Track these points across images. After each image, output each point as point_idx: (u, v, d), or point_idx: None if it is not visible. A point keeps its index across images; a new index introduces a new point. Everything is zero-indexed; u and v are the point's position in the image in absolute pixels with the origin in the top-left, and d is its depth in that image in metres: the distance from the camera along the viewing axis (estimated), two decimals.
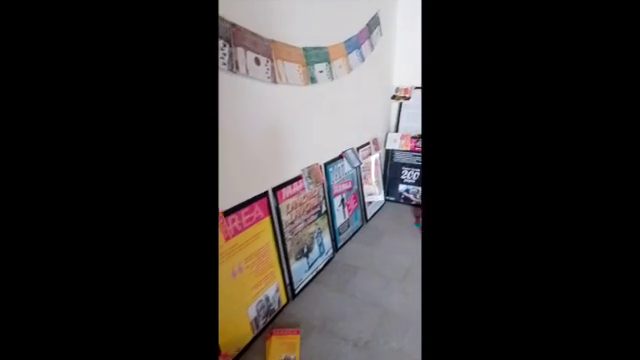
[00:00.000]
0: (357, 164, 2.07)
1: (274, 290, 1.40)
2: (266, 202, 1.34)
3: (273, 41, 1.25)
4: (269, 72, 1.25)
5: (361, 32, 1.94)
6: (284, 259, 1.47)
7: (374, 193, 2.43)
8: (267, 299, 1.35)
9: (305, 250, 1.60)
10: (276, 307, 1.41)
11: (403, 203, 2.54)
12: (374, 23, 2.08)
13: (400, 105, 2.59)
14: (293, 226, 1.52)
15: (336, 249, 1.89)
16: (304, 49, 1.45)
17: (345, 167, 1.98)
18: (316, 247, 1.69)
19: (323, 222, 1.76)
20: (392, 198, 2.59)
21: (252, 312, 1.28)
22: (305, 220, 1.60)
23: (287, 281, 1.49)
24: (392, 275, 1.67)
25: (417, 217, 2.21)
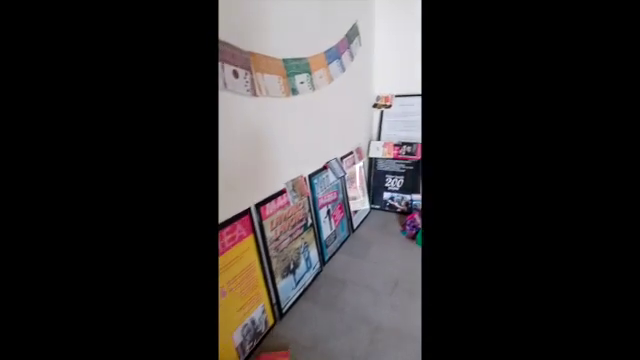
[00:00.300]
0: (342, 174, 2.05)
1: (260, 312, 1.33)
2: (249, 219, 1.28)
3: (252, 53, 1.21)
4: (248, 85, 1.21)
5: (341, 42, 1.93)
6: (270, 278, 1.41)
7: (360, 202, 2.41)
8: (253, 322, 1.28)
9: (291, 266, 1.55)
10: (263, 329, 1.34)
11: (388, 211, 2.53)
12: (353, 33, 2.08)
13: (381, 113, 2.61)
14: (278, 242, 1.46)
15: (323, 262, 1.84)
16: (284, 60, 1.42)
17: (330, 178, 1.95)
18: (303, 262, 1.63)
19: (309, 235, 1.71)
20: (377, 206, 2.58)
21: (237, 337, 1.20)
22: (290, 235, 1.55)
23: (274, 301, 1.42)
24: (381, 288, 1.63)
25: (403, 225, 2.20)
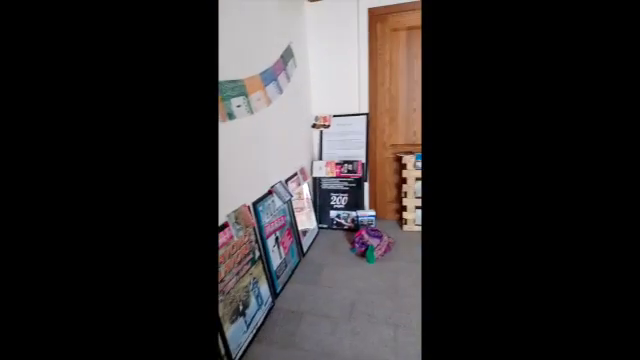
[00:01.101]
0: (288, 198, 1.97)
1: None
2: None
3: None
4: None
5: (276, 64, 1.89)
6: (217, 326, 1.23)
7: (307, 223, 2.35)
8: None
9: (241, 308, 1.38)
10: None
11: (336, 229, 2.52)
12: (288, 55, 2.07)
13: (321, 133, 2.63)
14: (224, 284, 1.29)
15: (275, 295, 1.71)
16: (219, 83, 1.31)
17: (276, 202, 1.85)
18: (253, 300, 1.48)
19: (258, 269, 1.57)
20: (325, 225, 2.55)
21: None
22: (237, 273, 1.40)
23: (223, 351, 1.24)
24: (339, 314, 1.57)
25: (352, 242, 2.20)
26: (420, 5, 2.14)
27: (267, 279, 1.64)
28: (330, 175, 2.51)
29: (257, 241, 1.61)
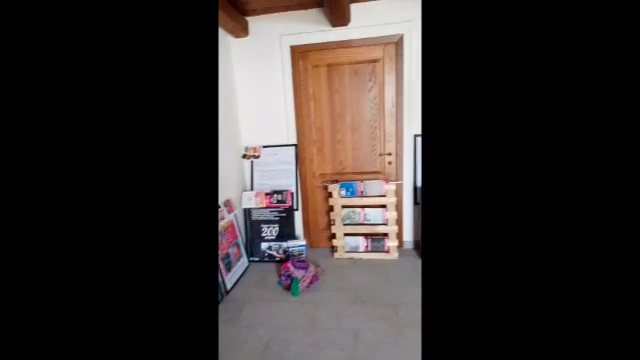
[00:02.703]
0: None
1: None
2: None
3: None
4: None
5: None
6: None
7: (235, 258, 2.26)
8: None
9: None
10: None
11: (268, 261, 2.46)
12: None
13: (252, 164, 2.62)
14: None
15: None
16: None
17: None
18: None
19: None
20: (256, 258, 2.48)
21: None
22: None
23: None
24: (249, 357, 1.49)
25: (280, 275, 2.16)
26: (337, 46, 2.31)
27: None
28: (260, 206, 2.49)
29: None
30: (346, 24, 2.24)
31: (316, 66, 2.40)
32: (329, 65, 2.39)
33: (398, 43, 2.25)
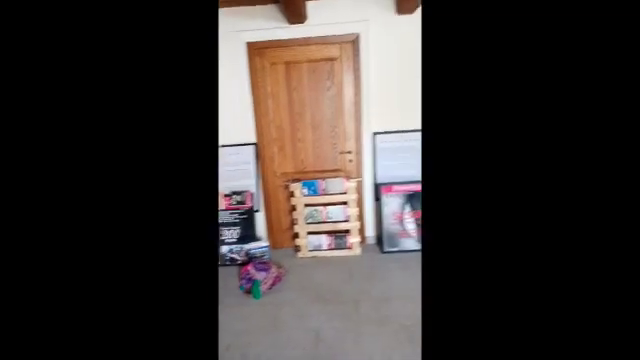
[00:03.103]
0: None
1: None
2: None
3: None
4: None
5: None
6: None
7: None
8: None
9: None
10: None
11: (229, 265, 2.38)
12: None
13: None
14: None
15: None
16: None
17: None
18: None
19: None
20: (218, 262, 2.39)
21: None
22: None
23: None
24: None
25: (241, 279, 2.10)
26: (294, 43, 2.29)
27: None
28: (220, 208, 2.40)
29: None
30: (303, 21, 2.22)
31: (274, 63, 2.36)
32: (287, 63, 2.36)
33: (355, 42, 2.28)
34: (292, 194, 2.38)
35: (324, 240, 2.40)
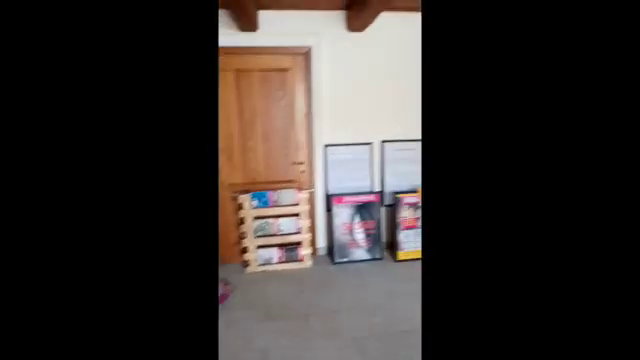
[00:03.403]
0: None
1: None
2: None
3: None
4: None
5: None
6: None
7: None
8: None
9: None
10: None
11: None
12: None
13: None
14: None
15: None
16: None
17: None
18: None
19: None
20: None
21: None
22: None
23: None
24: None
25: None
26: (245, 51, 2.23)
27: None
28: None
29: None
30: (254, 30, 2.18)
31: (223, 70, 2.27)
32: (237, 70, 2.29)
33: (307, 54, 2.30)
34: (240, 206, 2.28)
35: (275, 253, 2.33)
